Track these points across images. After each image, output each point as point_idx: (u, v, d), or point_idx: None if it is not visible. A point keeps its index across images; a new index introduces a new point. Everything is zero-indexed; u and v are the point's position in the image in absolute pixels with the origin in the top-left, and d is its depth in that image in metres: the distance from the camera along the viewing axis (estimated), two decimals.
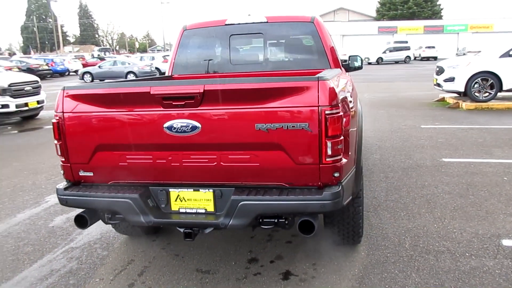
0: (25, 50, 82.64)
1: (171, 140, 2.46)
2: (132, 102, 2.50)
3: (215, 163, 2.47)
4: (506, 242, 3.33)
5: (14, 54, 64.39)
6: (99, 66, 24.17)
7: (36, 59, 30.63)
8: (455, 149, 6.28)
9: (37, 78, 11.07)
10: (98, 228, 3.91)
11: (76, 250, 3.56)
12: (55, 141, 2.66)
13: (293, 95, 2.32)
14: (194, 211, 2.59)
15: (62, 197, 2.66)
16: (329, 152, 2.34)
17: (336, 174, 2.40)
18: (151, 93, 2.42)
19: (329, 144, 2.32)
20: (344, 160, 2.47)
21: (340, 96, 2.44)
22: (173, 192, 2.60)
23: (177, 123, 2.42)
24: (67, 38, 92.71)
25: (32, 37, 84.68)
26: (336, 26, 47.48)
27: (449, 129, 7.79)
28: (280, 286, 2.86)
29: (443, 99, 11.69)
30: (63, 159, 2.68)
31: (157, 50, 70.47)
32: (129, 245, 3.59)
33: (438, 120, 8.79)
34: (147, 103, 2.45)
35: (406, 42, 41.11)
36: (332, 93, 2.32)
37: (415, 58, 39.78)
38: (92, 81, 23.70)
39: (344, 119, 2.49)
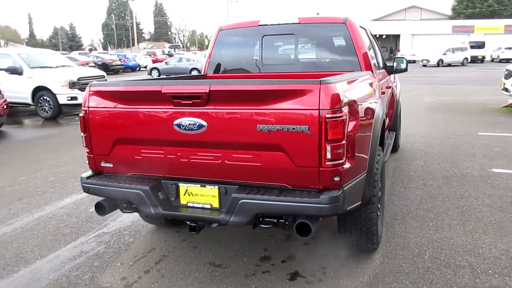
0: (105, 46, 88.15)
1: (180, 137, 2.58)
2: (147, 100, 2.65)
3: (220, 161, 2.55)
4: None
5: (95, 49, 69.11)
6: (165, 63, 25.27)
7: (111, 55, 32.61)
8: (510, 160, 5.87)
9: (104, 73, 11.85)
10: (131, 216, 4.16)
11: (107, 235, 3.82)
12: (82, 133, 2.89)
13: (295, 97, 2.34)
14: (200, 205, 2.70)
15: (84, 185, 2.88)
16: (329, 156, 2.33)
17: (337, 179, 2.39)
18: (162, 91, 2.56)
19: (328, 148, 2.32)
20: (347, 165, 2.45)
21: (346, 100, 2.42)
22: (182, 187, 2.72)
23: (185, 121, 2.54)
24: (143, 35, 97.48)
25: (111, 34, 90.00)
26: (406, 25, 45.67)
27: (509, 138, 7.28)
28: (285, 286, 2.89)
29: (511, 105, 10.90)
30: (88, 150, 2.90)
31: None
32: (154, 234, 3.79)
33: (499, 128, 8.23)
34: (159, 101, 2.59)
35: (483, 42, 38.60)
36: (335, 97, 2.31)
37: (492, 60, 37.32)
38: (159, 76, 24.81)
39: (352, 124, 2.48)
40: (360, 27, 4.33)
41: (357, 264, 3.15)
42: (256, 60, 4.21)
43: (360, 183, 2.68)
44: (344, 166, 2.42)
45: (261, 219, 2.58)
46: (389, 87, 5.05)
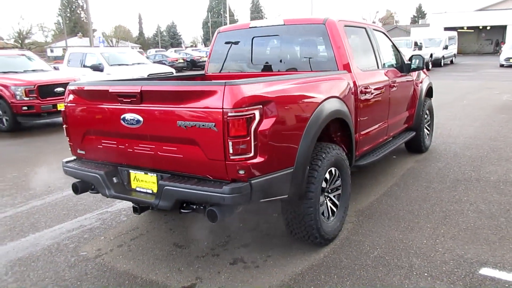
0: (206, 43, 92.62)
1: (125, 130, 3.00)
2: (102, 98, 3.11)
3: (154, 152, 2.92)
4: (484, 271, 2.99)
5: (195, 46, 73.26)
6: None
7: (200, 52, 34.51)
8: None
9: (172, 70, 12.82)
10: None
11: (108, 213, 4.40)
12: (64, 125, 3.45)
13: (205, 97, 2.62)
14: (145, 190, 3.09)
15: (63, 168, 3.45)
16: (231, 151, 2.58)
17: (242, 172, 2.62)
18: (109, 91, 3.00)
19: (230, 143, 2.57)
20: (258, 160, 2.66)
21: (256, 100, 2.63)
22: (132, 173, 3.15)
23: (127, 116, 2.95)
24: None
25: (212, 32, 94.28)
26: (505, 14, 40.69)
27: None
28: (223, 268, 3.18)
29: None
30: (68, 139, 3.46)
31: None
32: (144, 216, 4.26)
33: None
34: (110, 99, 3.04)
35: None
36: (237, 98, 2.55)
37: None
38: None
39: (267, 121, 2.68)
40: (353, 26, 4.39)
41: (300, 256, 3.31)
42: (248, 59, 4.48)
43: (281, 177, 2.86)
44: (252, 160, 2.64)
45: (184, 205, 2.90)
46: (398, 86, 4.96)
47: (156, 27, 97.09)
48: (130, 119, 2.94)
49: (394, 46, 5.40)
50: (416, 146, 6.09)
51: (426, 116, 6.19)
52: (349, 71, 3.90)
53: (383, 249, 3.37)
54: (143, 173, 3.08)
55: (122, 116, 2.98)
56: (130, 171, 3.15)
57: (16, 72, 10.02)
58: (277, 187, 2.87)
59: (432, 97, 6.55)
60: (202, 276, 3.09)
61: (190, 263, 3.28)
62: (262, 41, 4.42)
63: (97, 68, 11.93)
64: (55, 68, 11.65)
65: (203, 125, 2.63)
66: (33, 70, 10.37)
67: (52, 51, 67.94)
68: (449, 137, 7.19)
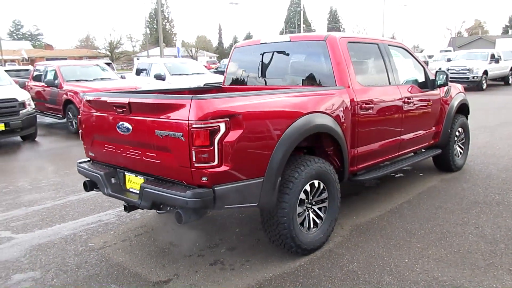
0: None
1: (120, 137, 3.39)
2: (104, 107, 3.53)
3: (140, 157, 3.27)
4: None
5: None
6: None
7: None
8: None
9: None
10: None
11: (124, 212, 4.84)
12: (79, 130, 3.93)
13: (176, 110, 2.92)
14: (135, 191, 3.45)
15: (77, 167, 3.93)
16: (194, 159, 2.84)
17: (204, 179, 2.87)
18: (107, 101, 3.41)
19: (194, 152, 2.83)
20: (222, 169, 2.89)
21: (222, 114, 2.86)
22: (127, 175, 3.52)
23: (121, 124, 3.34)
24: None
25: None
26: None
27: None
28: (202, 268, 3.43)
29: None
30: (83, 142, 3.93)
31: None
32: (155, 215, 4.64)
33: None
34: (109, 108, 3.44)
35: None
36: (202, 111, 2.80)
37: None
38: None
39: (234, 133, 2.91)
40: (360, 43, 4.46)
41: (277, 263, 3.46)
42: (258, 74, 4.72)
43: (249, 186, 3.05)
44: (217, 169, 2.88)
45: (161, 206, 3.20)
46: (417, 102, 4.90)
47: (232, 38, 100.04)
48: (123, 127, 3.31)
49: (418, 62, 5.32)
50: (444, 164, 5.89)
51: (458, 133, 5.96)
52: (347, 87, 3.97)
53: (360, 264, 3.41)
54: (134, 175, 3.43)
55: (117, 124, 3.36)
56: (126, 173, 3.52)
57: (86, 80, 11.12)
58: (245, 195, 3.06)
59: (468, 114, 6.28)
60: (180, 273, 3.36)
61: (175, 261, 3.57)
62: (271, 57, 4.62)
63: (160, 77, 12.79)
64: (122, 77, 12.70)
65: (174, 135, 2.92)
66: (102, 79, 11.43)
67: (138, 59, 72.94)
68: (492, 157, 6.80)
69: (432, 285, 3.06)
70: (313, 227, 3.62)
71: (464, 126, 6.08)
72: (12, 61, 52.09)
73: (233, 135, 2.92)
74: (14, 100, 8.93)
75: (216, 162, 2.87)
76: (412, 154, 5.48)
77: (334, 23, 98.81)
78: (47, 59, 51.66)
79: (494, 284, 3.06)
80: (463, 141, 6.15)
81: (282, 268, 3.37)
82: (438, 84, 5.27)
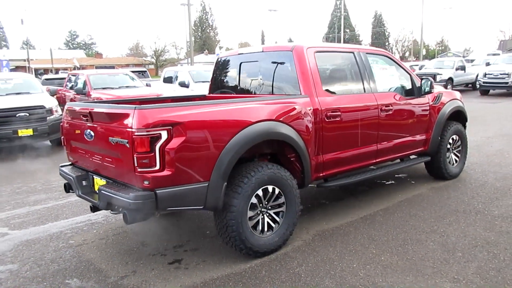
0: None
1: (87, 142, 3.69)
2: (75, 116, 3.85)
3: (102, 162, 3.56)
4: None
5: None
6: None
7: None
8: None
9: None
10: None
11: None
12: (62, 136, 4.29)
13: (122, 119, 3.18)
14: None
15: (59, 170, 4.28)
16: (136, 164, 3.08)
17: (146, 182, 3.10)
18: (76, 110, 3.73)
19: (135, 158, 3.07)
20: (164, 173, 3.12)
21: (164, 123, 3.09)
22: (95, 178, 3.82)
23: (86, 131, 3.64)
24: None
25: None
26: None
27: None
28: (159, 266, 3.66)
29: None
30: (65, 147, 4.29)
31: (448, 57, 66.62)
32: None
33: None
34: (79, 117, 3.76)
35: None
36: (144, 120, 3.04)
37: None
38: None
39: (176, 141, 3.13)
40: (331, 52, 4.56)
41: (229, 264, 3.63)
42: (236, 83, 4.92)
43: (193, 190, 3.25)
44: (158, 173, 3.10)
45: (116, 207, 3.46)
46: (398, 109, 4.92)
47: (275, 42, 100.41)
48: (88, 134, 3.62)
49: (404, 69, 5.31)
50: (436, 172, 5.81)
51: (453, 141, 5.86)
52: (311, 95, 4.08)
53: (307, 267, 3.51)
54: (99, 178, 3.73)
55: (84, 131, 3.67)
56: (94, 176, 3.82)
57: (112, 88, 11.74)
58: (190, 198, 3.27)
59: (465, 121, 6.15)
60: (138, 270, 3.61)
61: (138, 259, 3.82)
62: (247, 66, 4.81)
63: (184, 84, 13.24)
64: (147, 85, 13.27)
65: (121, 142, 3.17)
66: (127, 87, 12.03)
67: (182, 65, 75.00)
68: (496, 165, 6.60)
69: None
70: (268, 231, 3.76)
71: (460, 134, 5.95)
72: (65, 69, 55.10)
73: (175, 142, 3.13)
74: (42, 107, 9.60)
75: (157, 167, 3.09)
76: (399, 160, 5.47)
77: (378, 27, 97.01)
78: (96, 67, 54.27)
79: None
80: (459, 148, 6.02)
81: (232, 269, 3.54)
82: (425, 91, 5.24)
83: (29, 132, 9.22)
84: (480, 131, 9.72)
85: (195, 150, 3.25)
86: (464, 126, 6.20)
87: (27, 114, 9.22)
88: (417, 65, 26.44)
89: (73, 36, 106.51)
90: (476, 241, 3.89)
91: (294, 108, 3.90)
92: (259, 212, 3.69)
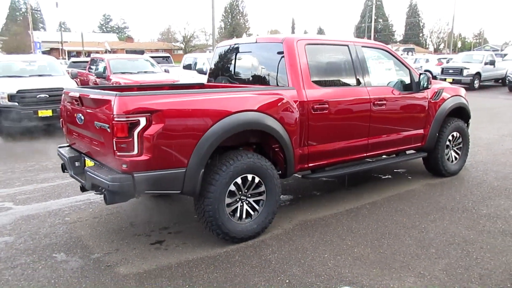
0: None
1: (79, 126, 3.90)
2: (70, 100, 4.06)
3: (90, 144, 3.75)
4: None
5: None
6: None
7: None
8: None
9: None
10: None
11: None
12: (60, 119, 4.51)
13: (105, 104, 3.35)
14: None
15: (57, 152, 4.52)
16: (115, 148, 3.25)
17: (125, 166, 3.27)
18: (69, 95, 3.93)
19: (114, 142, 3.24)
20: (142, 158, 3.28)
21: (144, 109, 3.23)
22: (86, 160, 4.03)
23: (78, 115, 3.85)
24: (392, 37, 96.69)
25: (361, 36, 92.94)
26: None
27: None
28: (141, 246, 3.85)
29: None
30: (63, 129, 4.52)
31: (483, 49, 64.28)
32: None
33: None
34: (72, 101, 3.97)
35: None
36: (124, 106, 3.20)
37: None
38: None
39: (155, 127, 3.28)
40: (323, 44, 4.60)
41: (207, 247, 3.78)
42: (232, 72, 5.02)
43: (171, 175, 3.40)
44: (136, 158, 3.26)
45: (100, 188, 3.65)
46: (393, 104, 4.93)
47: (304, 31, 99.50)
48: (79, 118, 3.82)
49: (403, 64, 5.29)
50: (433, 169, 5.79)
51: (453, 138, 5.80)
52: (298, 87, 4.15)
53: (280, 255, 3.62)
54: (89, 160, 3.93)
55: (76, 115, 3.88)
56: (85, 158, 4.03)
57: (131, 73, 12.04)
58: (167, 182, 3.42)
59: (468, 118, 6.07)
60: (121, 248, 3.81)
61: (124, 238, 4.03)
62: (242, 56, 4.90)
63: (202, 71, 13.39)
64: (165, 71, 13.51)
65: (104, 126, 3.35)
66: (145, 72, 12.30)
67: (210, 52, 75.35)
68: (501, 165, 6.49)
69: (332, 279, 3.22)
70: (247, 218, 3.88)
71: (461, 131, 5.88)
72: (96, 52, 56.36)
73: (154, 129, 3.28)
74: (61, 89, 9.96)
75: (135, 152, 3.26)
76: (394, 155, 5.47)
77: (413, 18, 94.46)
78: (127, 51, 55.21)
79: (392, 284, 3.14)
80: (460, 146, 5.96)
81: (208, 252, 3.69)
82: (423, 86, 5.21)
83: (49, 113, 9.60)
84: (495, 129, 9.52)
85: (173, 137, 3.39)
86: (467, 124, 6.12)
87: (47, 96, 9.60)
88: (445, 58, 25.67)
89: (107, 19, 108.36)
90: (454, 238, 3.90)
91: (279, 100, 3.98)
92: (238, 199, 3.82)
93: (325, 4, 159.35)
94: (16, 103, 9.46)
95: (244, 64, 4.88)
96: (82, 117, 3.76)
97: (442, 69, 20.60)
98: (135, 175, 3.28)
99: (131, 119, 3.21)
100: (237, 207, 3.83)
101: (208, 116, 3.54)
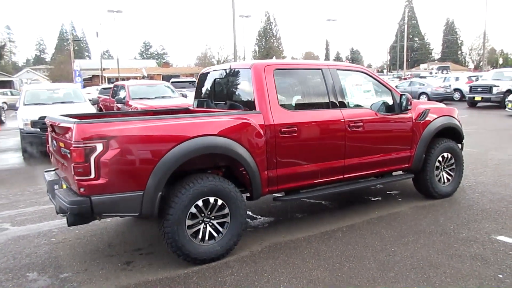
0: (390, 68, 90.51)
1: (54, 151, 4.17)
2: (49, 127, 4.34)
3: (62, 169, 3.99)
4: None
5: (381, 71, 73.38)
6: (396, 86, 25.18)
7: None
8: None
9: None
10: None
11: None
12: (47, 145, 4.81)
13: (67, 132, 3.58)
14: None
15: (43, 174, 4.79)
16: (73, 172, 3.45)
17: (82, 189, 3.46)
18: (48, 123, 4.21)
19: (72, 167, 3.45)
20: (99, 181, 3.47)
21: (100, 136, 3.44)
22: (63, 184, 4.27)
23: (53, 141, 4.11)
24: (429, 55, 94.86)
25: (399, 56, 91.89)
26: None
27: None
28: (109, 266, 4.00)
29: None
30: (50, 154, 4.80)
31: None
32: (121, 220, 5.34)
33: None
34: (51, 129, 4.24)
35: None
36: (81, 133, 3.42)
37: None
38: None
39: (112, 152, 3.47)
40: (294, 69, 4.71)
41: (170, 269, 3.88)
42: (211, 98, 5.20)
43: (128, 198, 3.56)
44: (93, 181, 3.45)
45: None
46: (371, 125, 4.93)
47: (335, 53, 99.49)
48: (53, 143, 4.08)
49: (383, 85, 5.28)
50: (424, 190, 5.67)
51: (443, 159, 5.68)
52: (265, 111, 4.25)
53: (237, 277, 3.67)
54: (64, 184, 4.17)
55: (50, 142, 4.15)
56: (62, 182, 4.27)
57: (149, 98, 12.50)
58: (124, 205, 3.58)
59: (461, 139, 5.93)
60: (89, 268, 3.98)
61: (96, 258, 4.20)
62: (219, 81, 5.07)
63: None
64: (183, 95, 13.91)
65: (66, 152, 3.58)
66: (163, 97, 12.74)
67: None
68: (501, 186, 6.26)
69: None
70: (210, 240, 3.97)
71: (452, 152, 5.75)
72: (134, 78, 58.66)
73: (110, 154, 3.47)
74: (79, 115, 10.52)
75: (92, 176, 3.45)
76: (374, 178, 5.41)
77: (450, 35, 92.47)
78: (163, 76, 57.13)
79: None
80: (452, 167, 5.81)
81: (169, 273, 3.80)
82: (405, 107, 5.17)
83: None
84: (509, 148, 9.15)
85: (130, 162, 3.56)
86: (461, 144, 5.97)
87: None
88: (475, 76, 24.92)
89: (147, 46, 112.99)
90: (419, 262, 3.82)
91: (243, 124, 4.09)
92: (200, 221, 3.92)
93: (360, 25, 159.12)
94: (38, 129, 10.03)
95: (220, 89, 5.05)
96: (55, 143, 4.01)
97: (470, 87, 19.99)
98: (92, 198, 3.46)
99: (88, 145, 3.41)
100: (199, 229, 3.92)
101: (165, 141, 3.69)
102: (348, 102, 4.89)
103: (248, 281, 3.59)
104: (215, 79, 5.14)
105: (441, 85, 23.23)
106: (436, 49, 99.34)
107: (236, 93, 4.75)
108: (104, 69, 56.73)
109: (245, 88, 4.57)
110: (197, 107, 5.50)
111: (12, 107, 13.72)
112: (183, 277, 3.71)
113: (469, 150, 9.07)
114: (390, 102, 5.25)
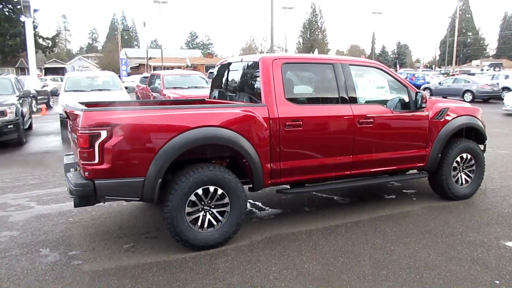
0: (439, 64, 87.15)
1: (70, 136, 4.42)
2: (66, 114, 4.60)
3: (76, 153, 4.24)
4: None
5: (426, 67, 70.72)
6: (439, 83, 24.17)
7: (401, 73, 33.10)
8: None
9: None
10: None
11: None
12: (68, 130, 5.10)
13: (76, 118, 3.79)
14: None
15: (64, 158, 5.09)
16: (78, 157, 3.67)
17: (87, 173, 3.68)
18: (65, 111, 4.46)
19: (78, 152, 3.67)
20: (103, 166, 3.67)
21: (104, 123, 3.63)
22: (77, 168, 4.52)
23: (69, 128, 4.37)
24: (484, 51, 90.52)
25: (448, 51, 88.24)
26: None
27: None
28: (114, 247, 4.22)
29: None
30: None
31: None
32: (136, 204, 5.58)
33: None
34: (66, 116, 4.50)
35: None
36: (87, 120, 3.62)
37: None
38: (430, 95, 24.06)
39: (115, 139, 3.66)
40: (303, 63, 4.72)
41: (169, 253, 4.04)
42: (225, 89, 5.30)
43: (129, 183, 3.74)
44: (97, 166, 3.66)
45: None
46: (382, 122, 4.88)
47: (381, 47, 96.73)
48: (69, 130, 4.34)
49: (399, 82, 5.18)
50: (439, 191, 5.53)
51: (461, 160, 5.50)
52: (271, 104, 4.31)
53: (231, 264, 3.78)
54: (78, 168, 4.42)
55: (69, 128, 4.40)
56: (76, 166, 4.53)
57: (182, 88, 12.81)
58: (126, 190, 3.77)
59: (483, 140, 5.72)
60: (96, 248, 4.22)
61: (105, 239, 4.44)
62: (232, 74, 5.16)
63: None
64: None
65: (75, 138, 3.80)
66: (195, 87, 13.00)
67: None
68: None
69: None
70: (209, 227, 4.09)
71: (472, 152, 5.55)
72: (179, 67, 59.91)
73: (114, 140, 3.65)
74: (113, 102, 10.95)
75: (96, 161, 3.65)
76: (387, 175, 5.33)
77: (508, 30, 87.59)
78: (206, 67, 57.97)
79: None
80: (471, 168, 5.62)
81: (167, 257, 3.96)
82: (419, 105, 5.06)
83: None
84: None
85: (132, 149, 3.73)
86: (483, 145, 5.76)
87: None
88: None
89: (193, 37, 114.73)
90: (416, 262, 3.77)
91: (246, 116, 4.17)
92: (200, 209, 4.04)
93: (409, 18, 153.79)
94: None
95: (233, 81, 5.14)
96: (70, 129, 4.26)
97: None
98: (96, 182, 3.67)
99: (92, 131, 3.61)
100: (199, 216, 4.05)
101: (166, 131, 3.84)
102: (359, 98, 4.84)
103: (240, 269, 3.68)
104: (229, 71, 5.23)
105: (488, 82, 22.10)
106: (492, 45, 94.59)
107: (246, 85, 4.82)
108: (150, 58, 58.28)
109: (253, 81, 4.64)
110: (214, 98, 5.62)
111: (54, 93, 14.42)
112: (179, 261, 3.86)
113: (502, 152, 8.71)
114: (407, 99, 5.15)
